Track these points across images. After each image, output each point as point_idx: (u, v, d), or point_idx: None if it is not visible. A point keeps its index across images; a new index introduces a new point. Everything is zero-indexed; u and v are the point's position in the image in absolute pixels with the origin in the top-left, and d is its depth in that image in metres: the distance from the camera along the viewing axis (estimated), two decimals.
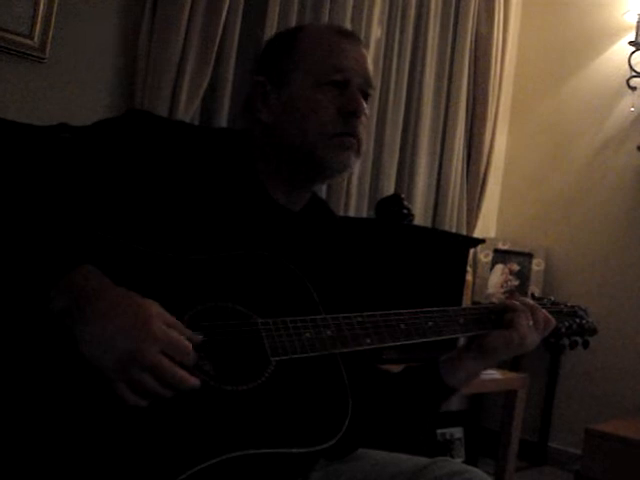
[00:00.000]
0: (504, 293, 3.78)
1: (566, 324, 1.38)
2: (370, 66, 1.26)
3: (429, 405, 1.29)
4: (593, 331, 1.42)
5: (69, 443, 0.89)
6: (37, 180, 1.04)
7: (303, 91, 1.19)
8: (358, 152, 1.22)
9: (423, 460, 1.22)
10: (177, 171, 1.13)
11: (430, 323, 1.20)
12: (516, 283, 3.84)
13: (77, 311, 0.92)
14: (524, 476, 3.51)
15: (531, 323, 1.24)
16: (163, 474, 0.90)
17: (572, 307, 1.43)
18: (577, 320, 1.40)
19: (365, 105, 1.22)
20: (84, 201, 1.07)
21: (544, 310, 1.29)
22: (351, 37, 1.26)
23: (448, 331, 1.22)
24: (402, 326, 1.17)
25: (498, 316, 1.27)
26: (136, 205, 1.09)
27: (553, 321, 1.29)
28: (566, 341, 1.38)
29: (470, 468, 1.19)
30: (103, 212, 1.07)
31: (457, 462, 1.23)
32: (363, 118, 1.22)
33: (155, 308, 0.94)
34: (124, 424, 0.92)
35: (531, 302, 1.29)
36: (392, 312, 1.18)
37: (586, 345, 1.41)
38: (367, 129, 1.29)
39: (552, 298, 1.43)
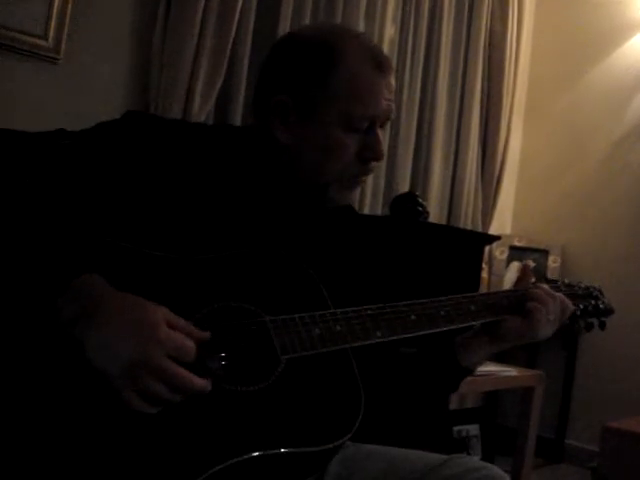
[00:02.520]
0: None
1: (581, 307, 1.35)
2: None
3: (444, 385, 1.29)
4: (609, 311, 1.38)
5: (81, 451, 0.89)
6: (41, 188, 1.03)
7: (332, 131, 1.16)
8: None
9: (439, 457, 1.21)
10: (179, 170, 1.13)
11: (442, 312, 1.19)
12: (532, 280, 3.82)
13: (84, 319, 0.91)
14: (541, 473, 3.50)
15: (552, 317, 1.23)
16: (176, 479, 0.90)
17: (587, 288, 1.39)
18: (592, 301, 1.37)
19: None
20: (88, 206, 1.06)
21: (562, 296, 1.27)
22: (386, 70, 1.19)
23: (460, 319, 1.20)
24: (412, 317, 1.16)
25: (515, 302, 1.25)
26: (140, 207, 1.09)
27: (570, 308, 1.28)
28: (582, 323, 1.35)
29: (487, 465, 1.19)
30: (108, 216, 1.07)
31: (473, 459, 1.22)
32: None
33: (160, 312, 0.93)
34: (137, 429, 0.91)
35: (551, 291, 1.27)
36: (402, 303, 1.16)
37: (602, 326, 1.37)
38: None
39: (566, 280, 1.39)
